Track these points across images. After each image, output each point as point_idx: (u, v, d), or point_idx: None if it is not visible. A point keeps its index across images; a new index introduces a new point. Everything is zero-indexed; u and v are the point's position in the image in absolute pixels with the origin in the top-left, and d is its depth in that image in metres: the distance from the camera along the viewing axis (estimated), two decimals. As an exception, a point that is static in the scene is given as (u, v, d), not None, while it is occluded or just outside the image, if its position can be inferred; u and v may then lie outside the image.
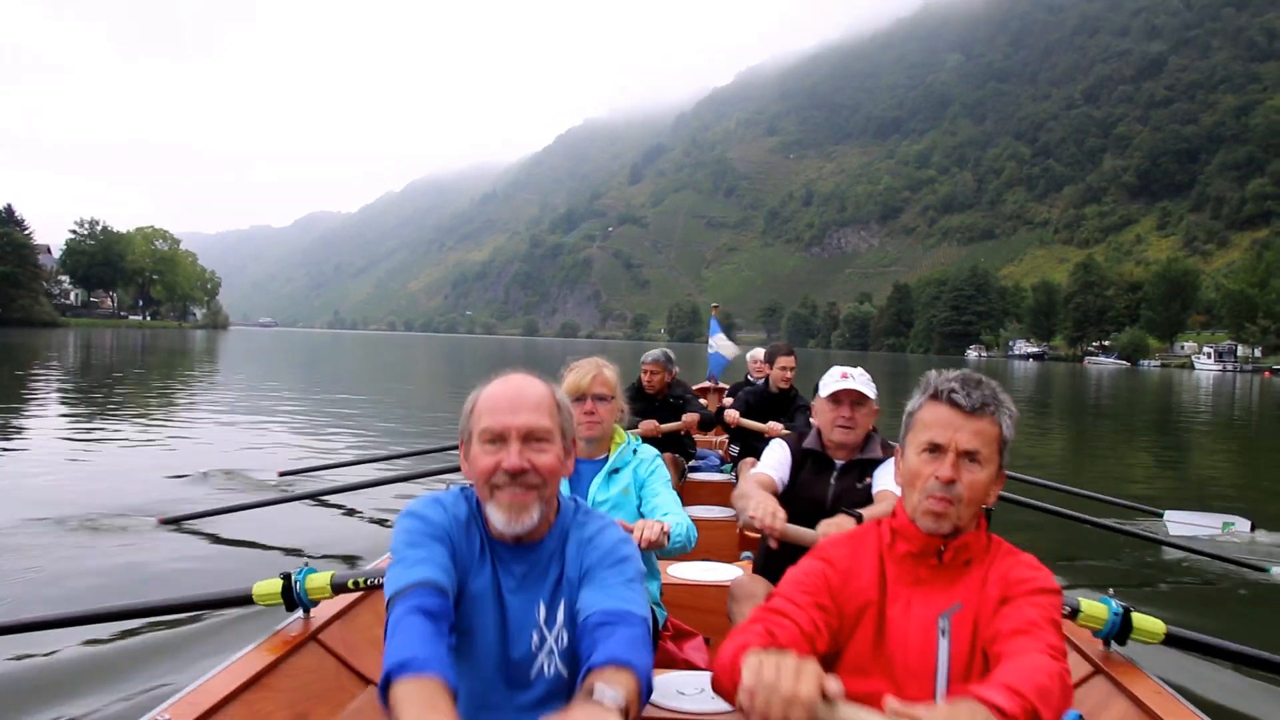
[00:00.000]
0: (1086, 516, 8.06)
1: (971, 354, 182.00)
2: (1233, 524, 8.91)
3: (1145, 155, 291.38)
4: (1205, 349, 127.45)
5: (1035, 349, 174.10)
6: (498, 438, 2.18)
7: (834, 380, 4.00)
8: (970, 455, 2.19)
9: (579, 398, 3.74)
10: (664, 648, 3.17)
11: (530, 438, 2.18)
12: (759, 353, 9.48)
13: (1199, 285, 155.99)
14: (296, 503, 8.99)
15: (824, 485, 4.01)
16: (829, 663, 2.24)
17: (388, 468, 10.95)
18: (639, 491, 3.85)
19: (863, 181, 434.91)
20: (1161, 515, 9.25)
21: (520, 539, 2.25)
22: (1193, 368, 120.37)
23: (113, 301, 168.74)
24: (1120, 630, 3.21)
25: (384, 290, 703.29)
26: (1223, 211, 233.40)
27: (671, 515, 3.67)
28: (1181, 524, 9.00)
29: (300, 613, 3.32)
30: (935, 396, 2.26)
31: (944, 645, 2.20)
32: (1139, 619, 3.21)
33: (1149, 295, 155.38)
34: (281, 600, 3.31)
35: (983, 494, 2.23)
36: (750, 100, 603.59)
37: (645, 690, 2.02)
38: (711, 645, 3.88)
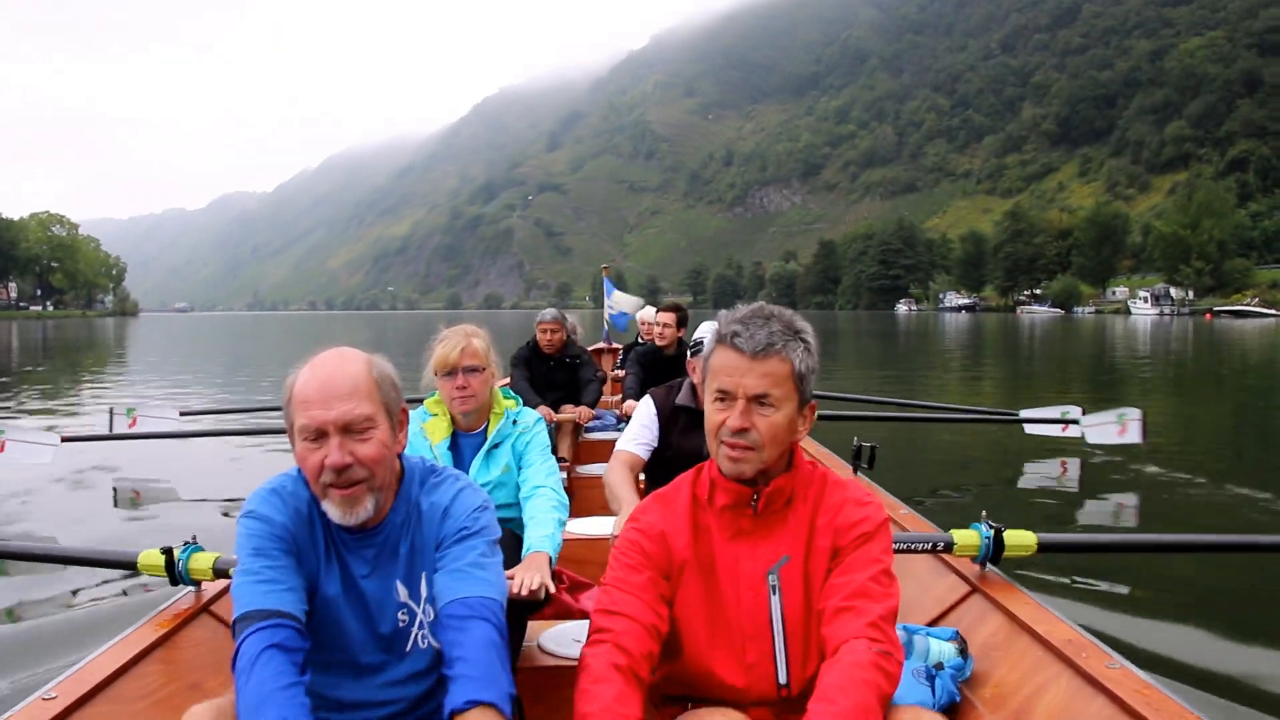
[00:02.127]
0: (950, 415, 11.10)
1: (901, 308, 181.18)
2: (1068, 410, 9.99)
3: (1064, 103, 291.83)
4: (1141, 293, 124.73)
5: (966, 300, 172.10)
6: (317, 434, 2.08)
7: (708, 338, 3.75)
8: (760, 399, 2.09)
9: (448, 372, 3.66)
10: (560, 599, 3.17)
11: (349, 430, 2.08)
12: (649, 313, 9.75)
13: (1129, 229, 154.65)
14: (196, 439, 10.06)
15: (699, 439, 3.58)
16: (673, 639, 2.21)
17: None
18: (518, 464, 3.79)
19: (783, 140, 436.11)
20: (1017, 414, 10.46)
21: (364, 524, 2.18)
22: (1129, 313, 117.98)
23: (10, 292, 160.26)
24: (995, 551, 3.31)
25: (303, 270, 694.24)
26: (1143, 156, 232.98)
27: (540, 491, 3.62)
28: (1033, 422, 10.30)
29: (188, 585, 3.31)
30: (721, 341, 2.15)
31: (776, 602, 2.15)
32: (1011, 535, 3.34)
33: (1079, 241, 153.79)
34: (165, 574, 3.29)
35: (785, 434, 2.14)
36: (666, 62, 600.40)
37: (509, 708, 2.00)
38: None
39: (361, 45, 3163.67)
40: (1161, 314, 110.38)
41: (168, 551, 3.27)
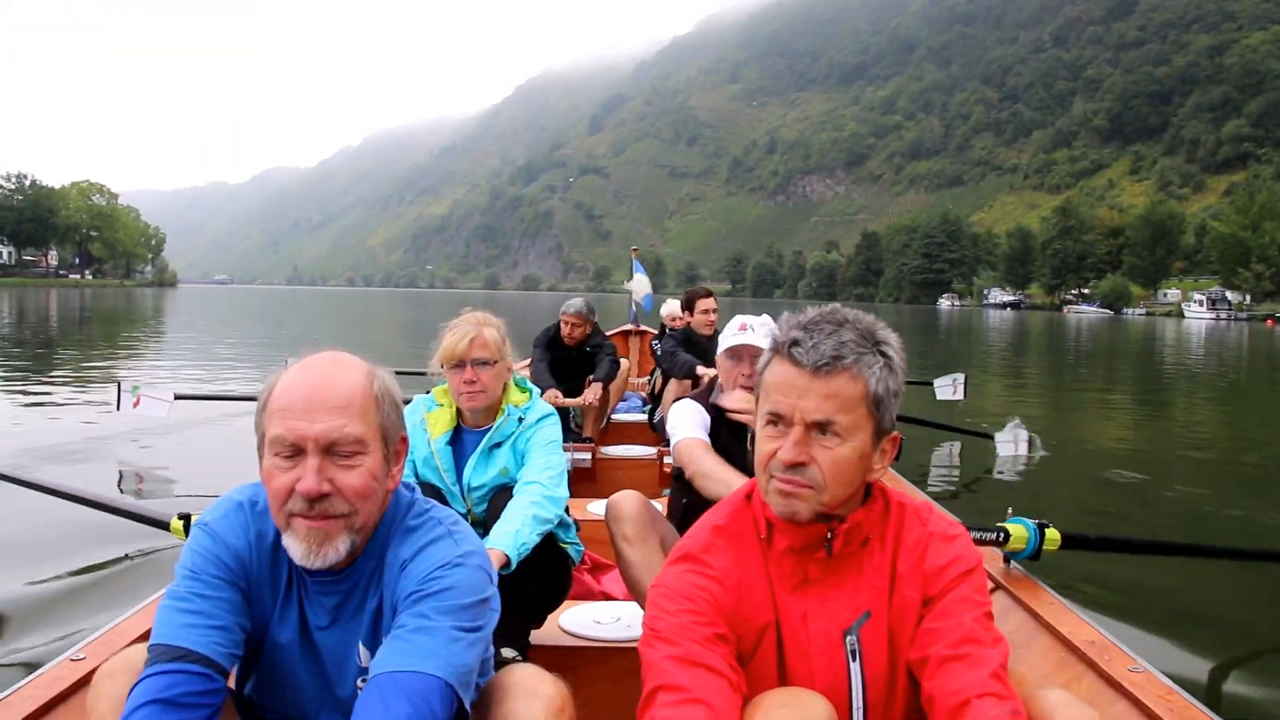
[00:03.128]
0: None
1: (944, 303, 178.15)
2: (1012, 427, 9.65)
3: (1116, 98, 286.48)
4: (1196, 296, 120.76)
5: (1011, 297, 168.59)
6: (293, 450, 1.73)
7: (732, 334, 3.69)
8: (822, 427, 1.72)
9: (457, 364, 3.32)
10: (582, 580, 3.13)
11: (334, 450, 1.73)
12: (674, 307, 9.57)
13: (1184, 230, 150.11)
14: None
15: (742, 452, 3.46)
16: None
17: None
18: (520, 464, 3.42)
19: (827, 128, 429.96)
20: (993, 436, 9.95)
21: (331, 565, 1.82)
22: (1182, 316, 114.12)
23: (53, 260, 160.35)
24: (1038, 547, 3.33)
25: (343, 246, 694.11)
26: (1198, 154, 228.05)
27: (528, 487, 3.26)
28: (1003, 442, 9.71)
29: None
30: (777, 351, 1.79)
31: (856, 670, 1.81)
32: (1049, 534, 3.38)
33: (1131, 240, 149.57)
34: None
35: (854, 471, 1.77)
36: (712, 48, 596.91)
37: None
38: None
39: (406, 24, 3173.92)
40: (1218, 318, 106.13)
41: (185, 518, 3.25)
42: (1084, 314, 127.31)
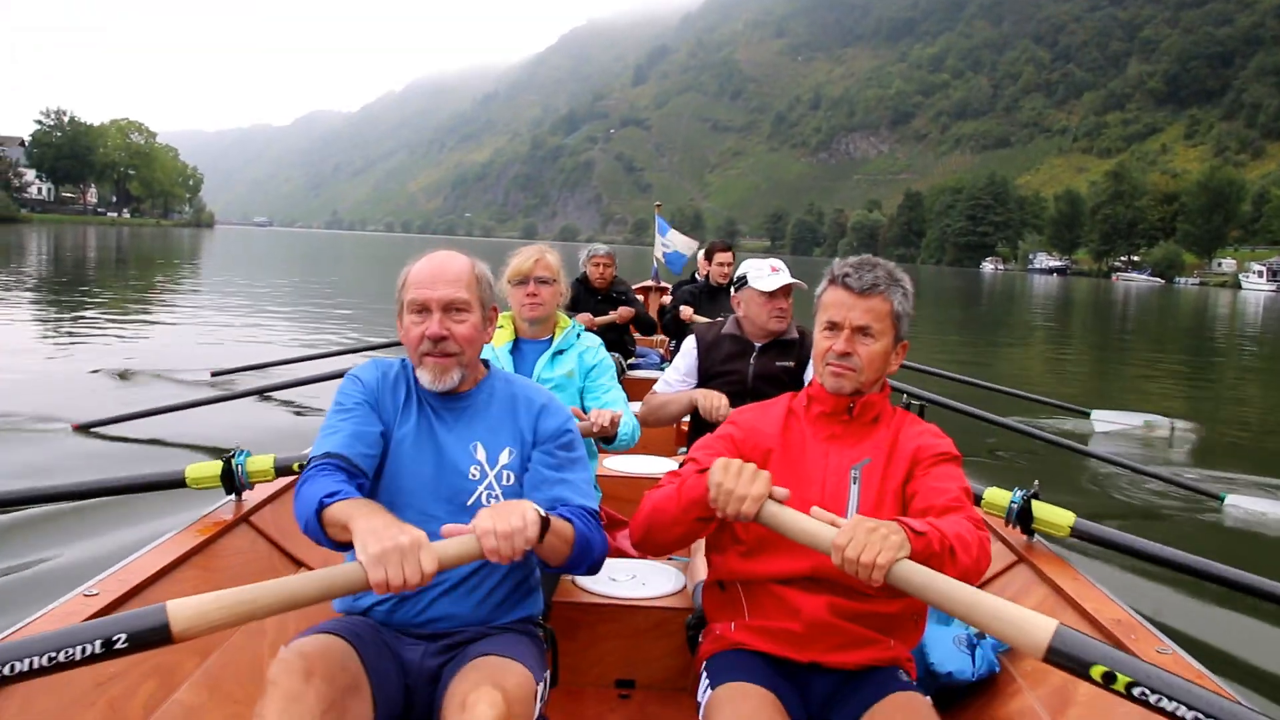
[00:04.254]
0: (1015, 425, 8.24)
1: (988, 266, 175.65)
2: (1152, 420, 9.59)
3: (1174, 60, 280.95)
4: (1256, 266, 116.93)
5: (1057, 263, 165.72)
6: (422, 308, 2.38)
7: (767, 275, 4.26)
8: (864, 330, 2.39)
9: (521, 281, 3.93)
10: None
11: (450, 308, 2.38)
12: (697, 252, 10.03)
13: (1243, 197, 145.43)
14: (231, 402, 8.58)
15: (744, 365, 4.34)
16: None
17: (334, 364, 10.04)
18: (584, 378, 4.05)
19: (873, 85, 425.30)
20: (1089, 415, 9.90)
21: (449, 392, 2.46)
22: (1239, 286, 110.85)
23: (91, 197, 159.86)
24: (1022, 518, 3.33)
25: (383, 191, 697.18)
26: (1258, 119, 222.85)
27: (617, 405, 3.91)
28: (1106, 422, 9.67)
29: (233, 497, 3.40)
30: (833, 281, 2.45)
31: (854, 491, 2.38)
32: (1044, 508, 3.32)
33: (1186, 206, 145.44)
34: (221, 483, 3.39)
35: (881, 362, 2.44)
36: (758, 1, 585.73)
37: (581, 550, 2.30)
38: None
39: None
40: (1279, 290, 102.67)
41: (227, 459, 3.37)
42: (1134, 282, 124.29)
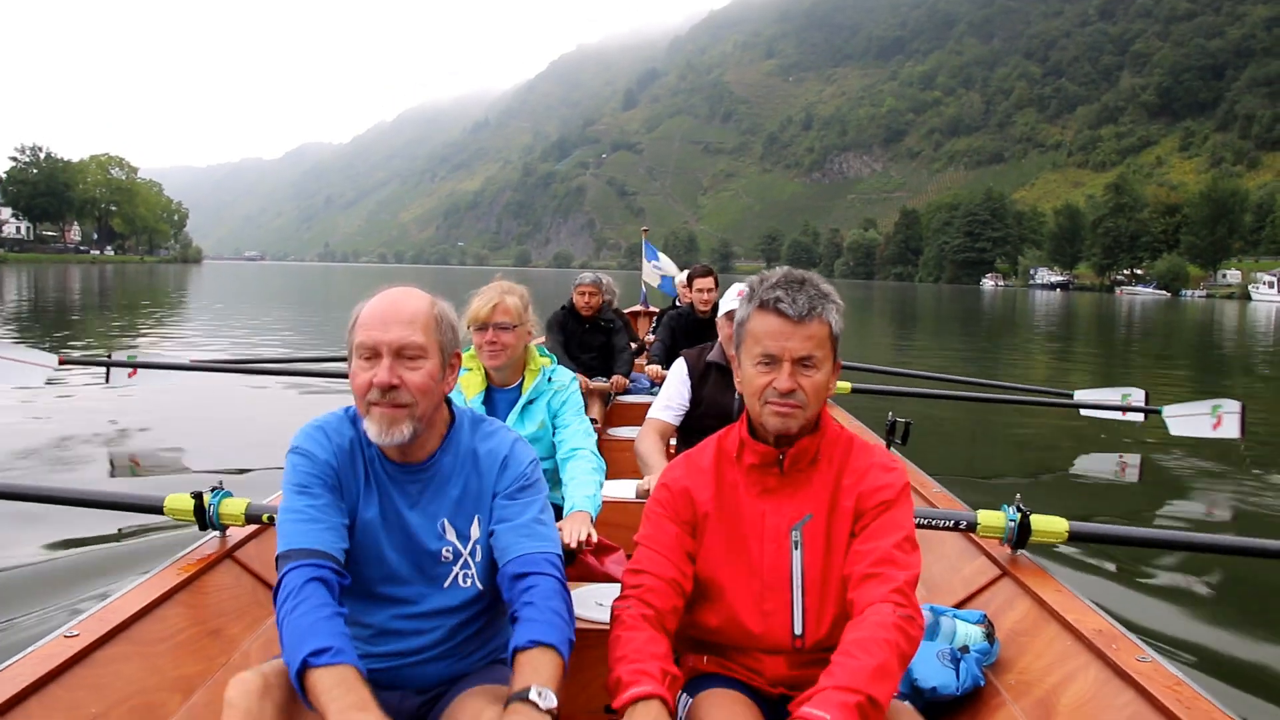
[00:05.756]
0: (999, 395, 10.26)
1: (987, 283, 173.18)
2: (1130, 394, 9.76)
3: (1166, 72, 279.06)
4: (1265, 277, 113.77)
5: (1059, 278, 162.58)
6: (372, 353, 2.18)
7: (734, 300, 4.10)
8: (805, 361, 2.19)
9: (480, 327, 3.75)
10: (585, 561, 3.27)
11: (402, 353, 2.18)
12: (681, 277, 9.95)
13: (1246, 208, 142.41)
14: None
15: (729, 396, 4.30)
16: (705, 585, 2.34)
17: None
18: (553, 422, 3.92)
19: (865, 104, 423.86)
20: (1072, 395, 10.20)
21: (408, 458, 2.29)
22: (1248, 298, 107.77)
23: (74, 235, 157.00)
24: (1021, 535, 3.31)
25: (375, 222, 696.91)
26: (1252, 130, 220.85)
27: (579, 453, 3.77)
28: (1088, 399, 10.01)
29: (215, 532, 3.33)
30: (763, 306, 2.23)
31: (797, 557, 2.24)
32: (1040, 520, 3.32)
33: (1189, 218, 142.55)
34: (194, 519, 3.30)
35: (825, 391, 2.25)
36: (747, 22, 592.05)
37: (567, 651, 2.12)
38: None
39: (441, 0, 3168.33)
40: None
41: (198, 496, 3.27)
42: (1139, 295, 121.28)
